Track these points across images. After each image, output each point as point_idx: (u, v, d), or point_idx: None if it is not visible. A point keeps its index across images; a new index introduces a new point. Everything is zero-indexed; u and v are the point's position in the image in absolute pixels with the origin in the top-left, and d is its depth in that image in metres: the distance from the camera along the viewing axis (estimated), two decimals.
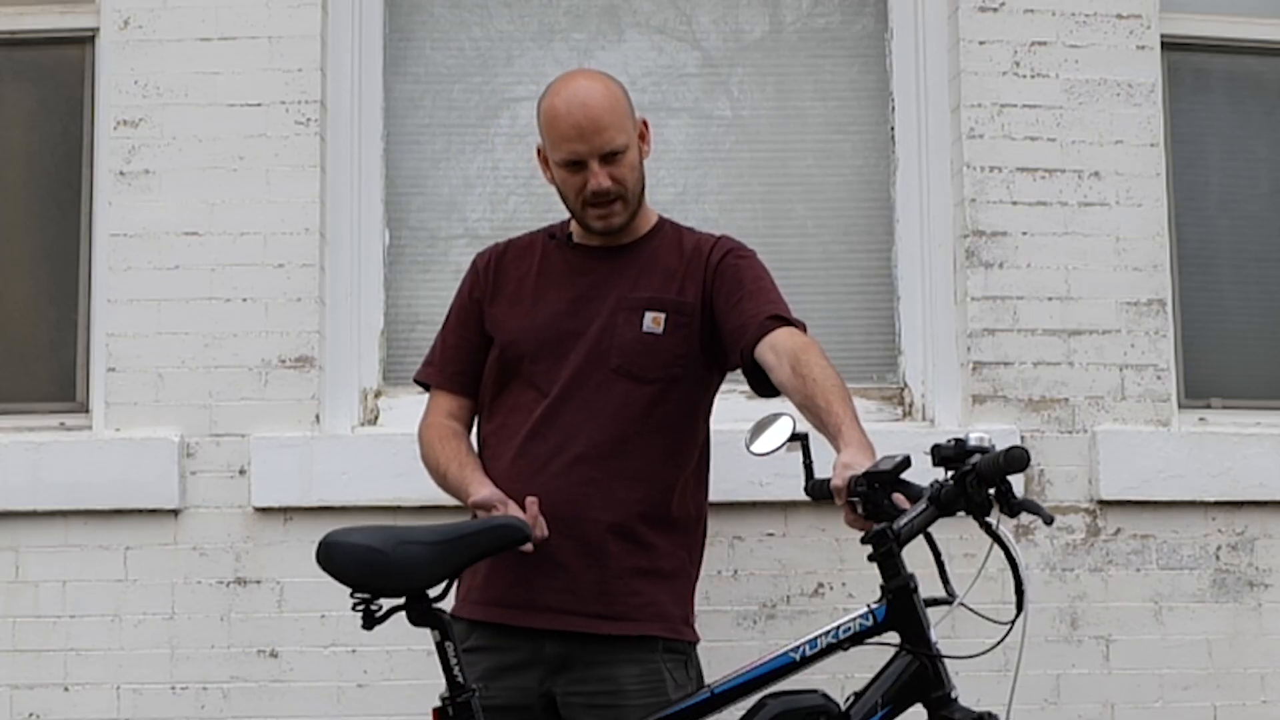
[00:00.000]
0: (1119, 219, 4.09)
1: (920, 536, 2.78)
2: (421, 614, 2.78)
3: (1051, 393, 4.02)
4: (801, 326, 3.09)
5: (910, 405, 4.13)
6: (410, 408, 4.04)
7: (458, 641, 2.83)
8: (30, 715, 3.84)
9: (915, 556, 2.82)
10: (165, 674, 3.85)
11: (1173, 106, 4.29)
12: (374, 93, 4.19)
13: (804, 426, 3.03)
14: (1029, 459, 2.67)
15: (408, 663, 3.77)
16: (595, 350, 3.13)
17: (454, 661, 2.80)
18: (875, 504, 2.75)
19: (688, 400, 3.18)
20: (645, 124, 3.23)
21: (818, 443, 3.00)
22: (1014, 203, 4.08)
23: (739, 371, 3.16)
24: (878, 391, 4.13)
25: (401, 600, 2.80)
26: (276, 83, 4.02)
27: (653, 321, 3.14)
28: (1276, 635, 4.01)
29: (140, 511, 3.89)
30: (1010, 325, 4.03)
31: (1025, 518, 3.91)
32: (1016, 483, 3.90)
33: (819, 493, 2.96)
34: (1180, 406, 4.14)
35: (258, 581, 3.88)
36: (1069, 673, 3.93)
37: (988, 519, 2.75)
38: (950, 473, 2.75)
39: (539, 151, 3.25)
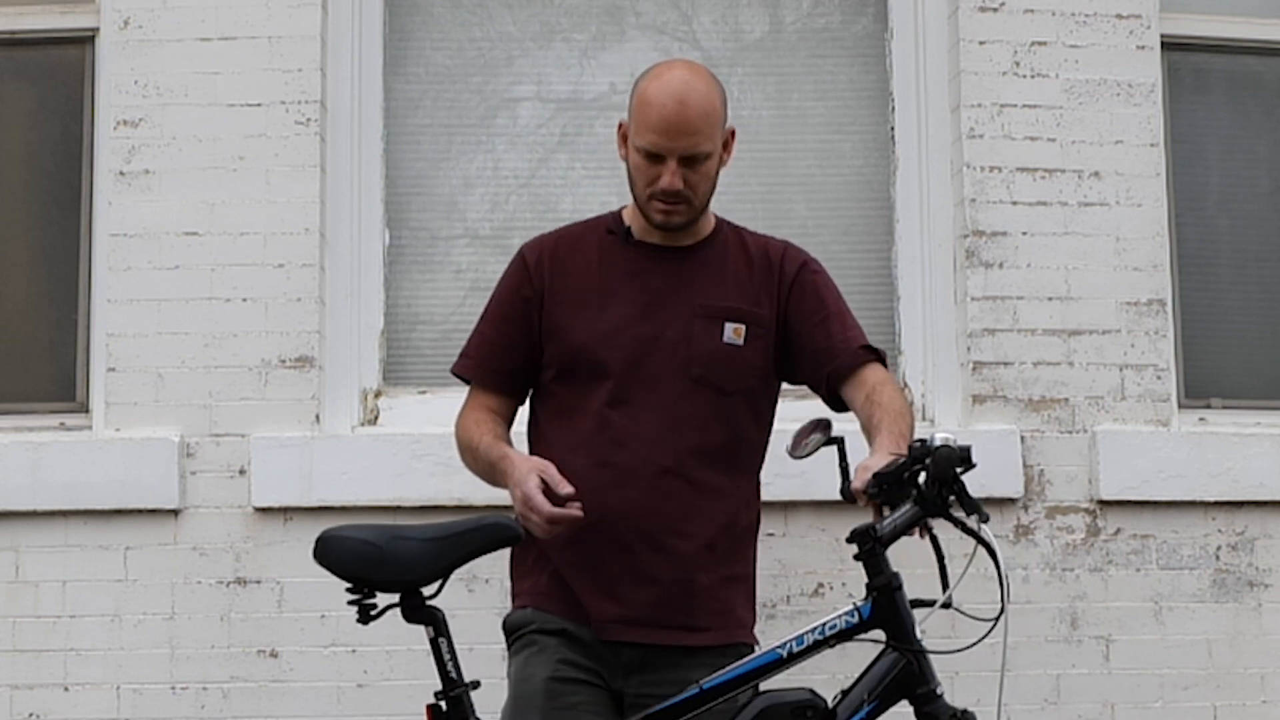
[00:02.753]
0: (1119, 219, 4.09)
1: (927, 538, 2.80)
2: (415, 610, 2.79)
3: (1051, 393, 4.02)
4: (882, 357, 3.14)
5: (910, 405, 4.12)
6: (410, 408, 4.05)
7: (452, 636, 2.83)
8: (30, 715, 3.85)
9: (916, 556, 2.82)
10: (165, 674, 3.85)
11: (1173, 106, 4.29)
12: (374, 93, 4.19)
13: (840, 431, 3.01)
14: (965, 456, 2.71)
15: (407, 662, 3.77)
16: (674, 359, 3.07)
17: (447, 658, 2.80)
18: (891, 503, 2.79)
19: (761, 412, 3.17)
20: (733, 133, 3.16)
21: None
22: (1014, 203, 4.07)
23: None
24: None
25: (396, 597, 2.80)
26: (276, 83, 4.02)
27: (734, 333, 3.09)
28: (1276, 635, 4.00)
29: (140, 511, 3.89)
30: (1010, 325, 4.03)
31: (1026, 518, 3.94)
32: (1015, 481, 3.93)
33: (851, 496, 2.97)
34: (1180, 406, 4.13)
35: (258, 581, 3.88)
36: (1069, 673, 3.93)
37: (968, 519, 2.77)
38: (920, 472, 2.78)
39: (620, 126, 3.15)
